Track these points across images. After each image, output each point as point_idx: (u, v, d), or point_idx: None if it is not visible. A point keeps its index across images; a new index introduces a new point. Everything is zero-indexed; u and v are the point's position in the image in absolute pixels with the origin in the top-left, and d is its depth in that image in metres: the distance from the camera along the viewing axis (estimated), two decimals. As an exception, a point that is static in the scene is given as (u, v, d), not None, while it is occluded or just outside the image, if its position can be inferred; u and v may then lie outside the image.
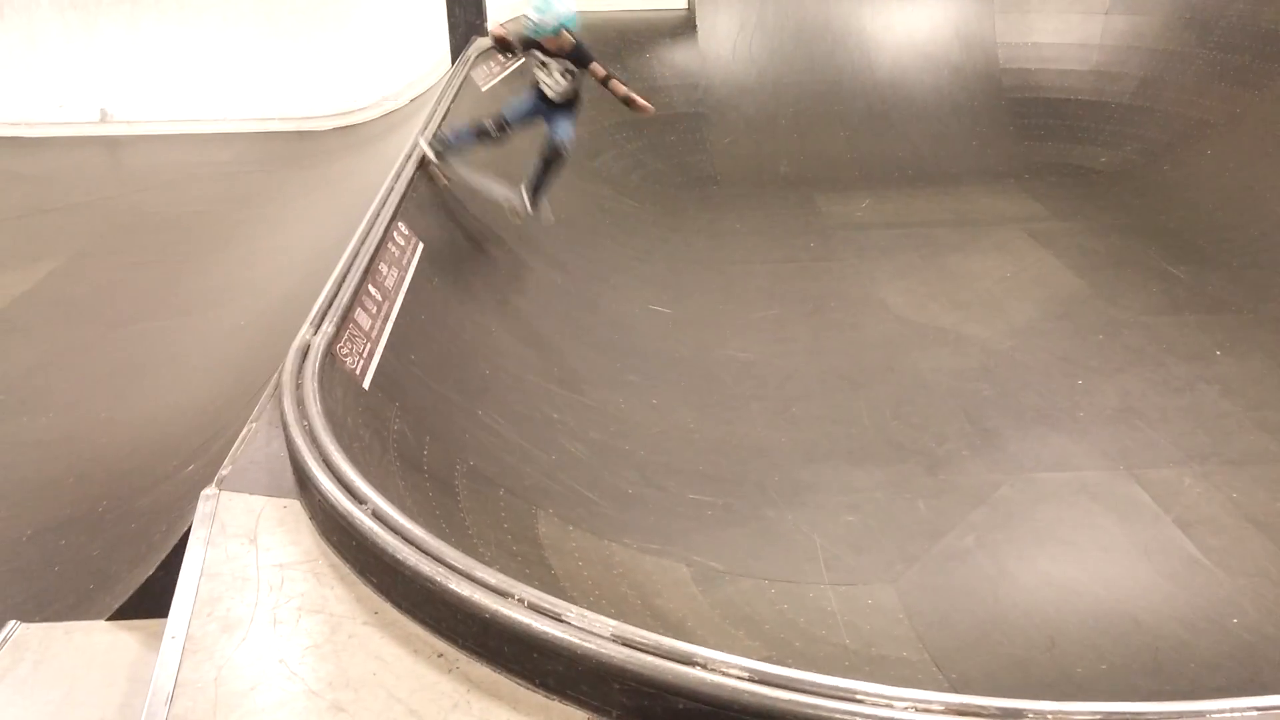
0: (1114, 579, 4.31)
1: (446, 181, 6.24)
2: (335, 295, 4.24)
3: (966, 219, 8.61)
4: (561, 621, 2.45)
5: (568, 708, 2.43)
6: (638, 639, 2.39)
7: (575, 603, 2.57)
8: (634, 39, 10.76)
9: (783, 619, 3.98)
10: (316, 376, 3.54)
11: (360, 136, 10.58)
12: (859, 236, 8.32)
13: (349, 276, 4.42)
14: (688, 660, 2.33)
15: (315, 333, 3.89)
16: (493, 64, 8.91)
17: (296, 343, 3.80)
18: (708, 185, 9.66)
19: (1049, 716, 2.21)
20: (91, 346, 6.20)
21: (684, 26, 10.97)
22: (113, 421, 5.26)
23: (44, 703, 2.84)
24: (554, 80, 5.70)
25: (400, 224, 5.29)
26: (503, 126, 5.92)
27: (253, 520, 3.07)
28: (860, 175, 9.73)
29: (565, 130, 5.81)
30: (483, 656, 2.56)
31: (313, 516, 3.09)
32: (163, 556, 3.31)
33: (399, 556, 2.67)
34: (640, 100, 5.59)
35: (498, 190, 6.25)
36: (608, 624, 2.42)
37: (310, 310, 4.09)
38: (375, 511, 2.84)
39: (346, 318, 4.13)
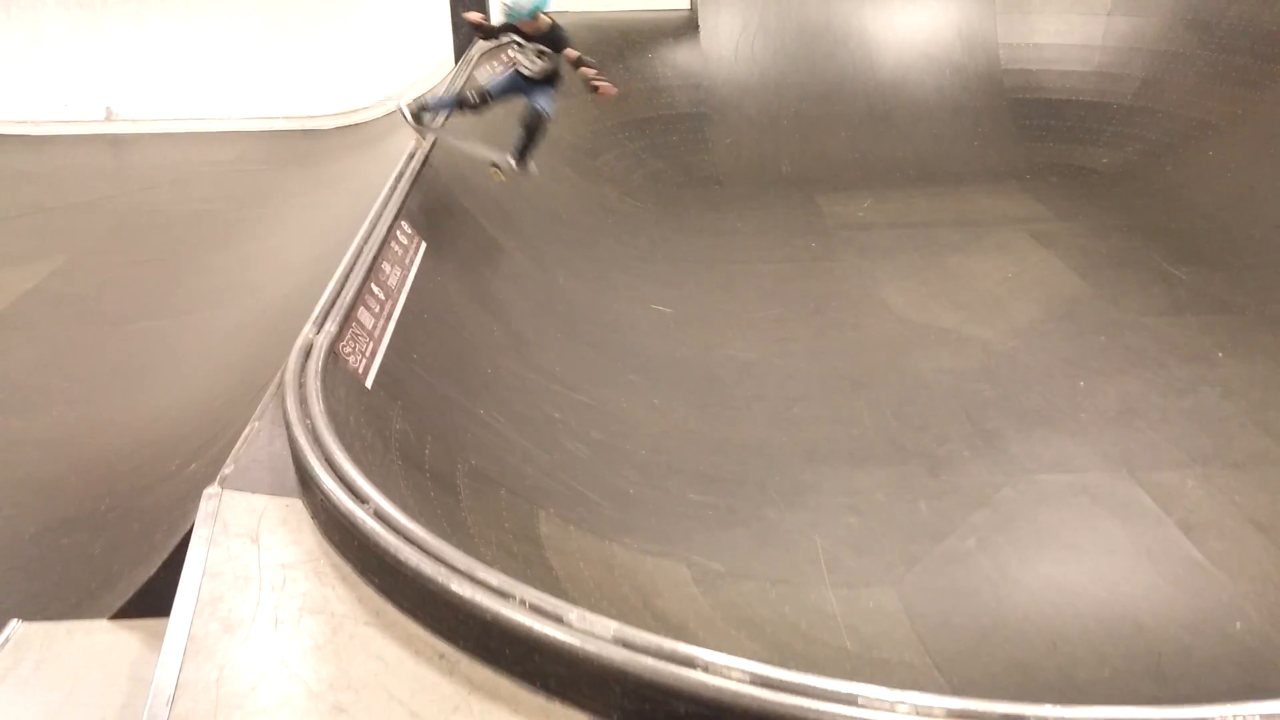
0: (1116, 582, 4.30)
1: (421, 141, 6.37)
2: (338, 294, 4.24)
3: (968, 219, 8.61)
4: (563, 623, 2.45)
5: (569, 710, 2.43)
6: (639, 641, 2.39)
7: (576, 604, 2.57)
8: (637, 39, 10.76)
9: (784, 621, 3.98)
10: (319, 375, 3.54)
11: (364, 135, 10.58)
12: (861, 237, 8.31)
13: (352, 275, 4.43)
14: (689, 663, 2.33)
15: (318, 331, 3.89)
16: (495, 64, 8.91)
17: (299, 341, 3.80)
18: (710, 185, 9.67)
19: (1050, 720, 2.21)
20: (94, 345, 6.20)
21: (686, 27, 10.97)
22: (115, 420, 5.26)
23: (45, 703, 2.84)
24: (530, 60, 5.82)
25: (403, 223, 5.30)
26: (485, 98, 6.05)
27: (255, 520, 3.07)
28: (862, 175, 9.73)
29: (545, 102, 5.96)
30: (484, 658, 2.57)
31: (315, 516, 3.09)
32: (165, 556, 3.31)
33: (401, 557, 2.67)
34: (603, 84, 5.61)
35: (480, 150, 6.38)
36: (609, 626, 2.42)
37: (313, 309, 4.09)
38: (377, 511, 2.84)
39: (349, 317, 4.13)
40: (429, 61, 10.93)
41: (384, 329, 4.43)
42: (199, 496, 3.11)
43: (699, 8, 11.04)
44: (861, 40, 10.84)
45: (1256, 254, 7.36)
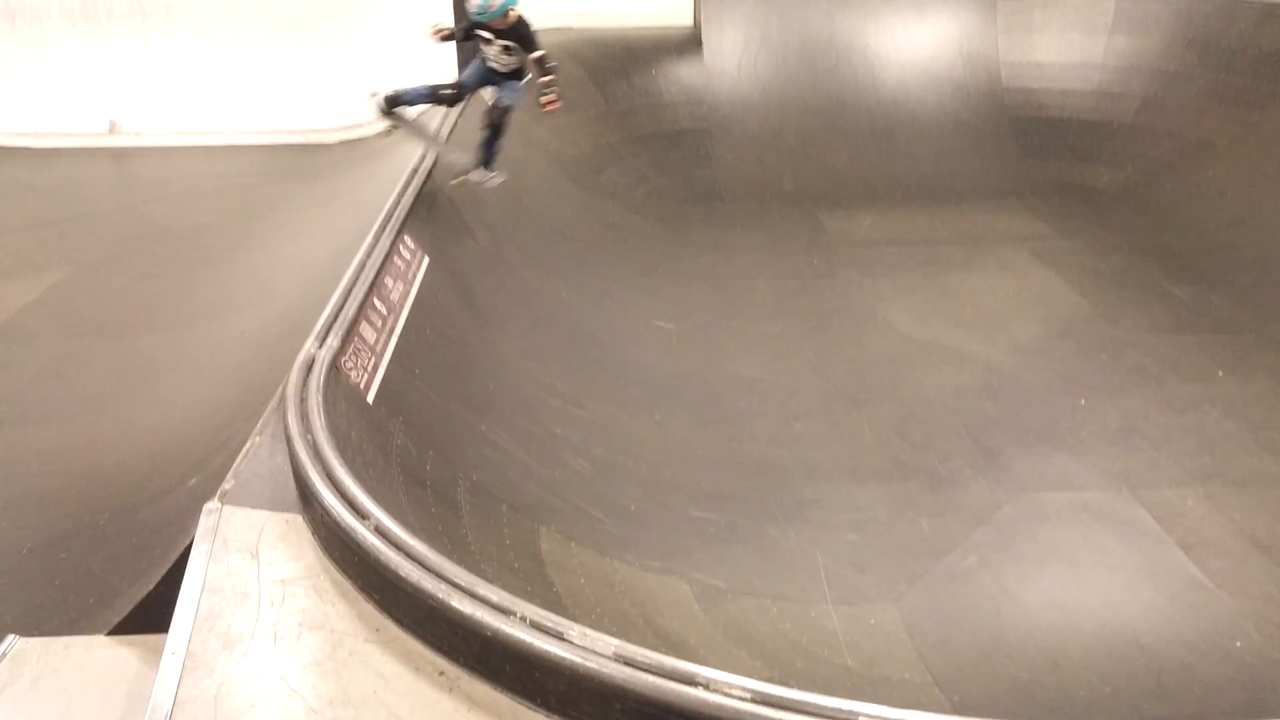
0: (1117, 600, 4.29)
1: (393, 130, 6.47)
2: (341, 308, 4.25)
3: (969, 237, 8.63)
4: (563, 640, 2.44)
5: (569, 727, 2.43)
6: (640, 658, 2.38)
7: (577, 621, 2.56)
8: (640, 55, 10.81)
9: (785, 638, 3.97)
10: (321, 390, 3.54)
11: (367, 149, 10.62)
12: (862, 253, 8.33)
13: (354, 290, 4.43)
14: (690, 680, 2.33)
15: (320, 346, 3.89)
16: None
17: (301, 356, 3.80)
18: (712, 201, 9.69)
19: (1052, 741, 2.21)
20: (95, 358, 6.20)
21: (689, 43, 11.03)
22: (115, 434, 5.25)
23: (42, 719, 2.83)
24: (495, 55, 5.91)
25: (406, 237, 5.31)
26: (459, 89, 6.14)
27: (255, 535, 3.07)
28: (864, 192, 9.76)
29: (511, 95, 6.06)
30: (484, 675, 2.56)
31: (315, 531, 3.08)
32: (164, 571, 3.30)
33: (401, 573, 2.66)
34: (548, 99, 5.69)
35: (449, 153, 6.48)
36: (610, 643, 2.42)
37: (315, 323, 4.10)
38: (378, 527, 2.83)
39: (351, 331, 4.13)
40: (432, 76, 10.97)
41: (386, 344, 4.43)
42: (199, 511, 3.11)
43: (702, 24, 11.10)
44: (864, 57, 10.90)
45: (1257, 273, 7.38)
